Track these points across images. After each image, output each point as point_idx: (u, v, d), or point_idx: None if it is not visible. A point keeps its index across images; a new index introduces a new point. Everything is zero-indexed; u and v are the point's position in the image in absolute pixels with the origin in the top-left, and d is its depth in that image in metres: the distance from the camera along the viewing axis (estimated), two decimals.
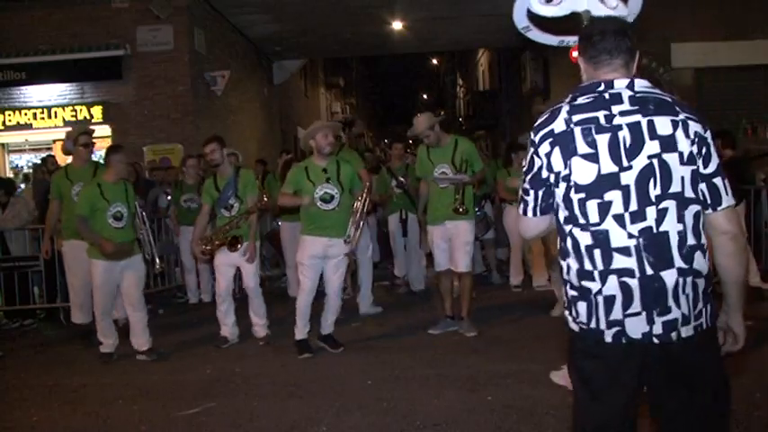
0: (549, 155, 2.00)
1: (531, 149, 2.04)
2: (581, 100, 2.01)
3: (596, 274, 1.96)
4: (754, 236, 7.08)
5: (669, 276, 1.91)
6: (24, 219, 7.31)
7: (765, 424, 3.61)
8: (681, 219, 1.93)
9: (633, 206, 1.92)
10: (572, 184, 1.97)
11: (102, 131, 11.17)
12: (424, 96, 47.89)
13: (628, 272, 1.93)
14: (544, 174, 2.02)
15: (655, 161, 1.92)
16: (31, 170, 10.51)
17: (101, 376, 5.12)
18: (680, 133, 1.93)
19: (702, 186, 1.95)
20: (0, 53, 11.07)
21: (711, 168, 1.96)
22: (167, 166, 9.59)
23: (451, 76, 36.65)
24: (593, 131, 1.95)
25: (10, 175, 11.52)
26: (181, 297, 7.99)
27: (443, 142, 5.61)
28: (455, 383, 4.41)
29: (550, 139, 2.00)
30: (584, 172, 1.95)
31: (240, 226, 5.51)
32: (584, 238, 1.97)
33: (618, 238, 1.93)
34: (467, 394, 4.20)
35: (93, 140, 6.25)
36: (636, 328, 1.94)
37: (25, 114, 11.40)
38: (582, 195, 1.96)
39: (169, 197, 8.00)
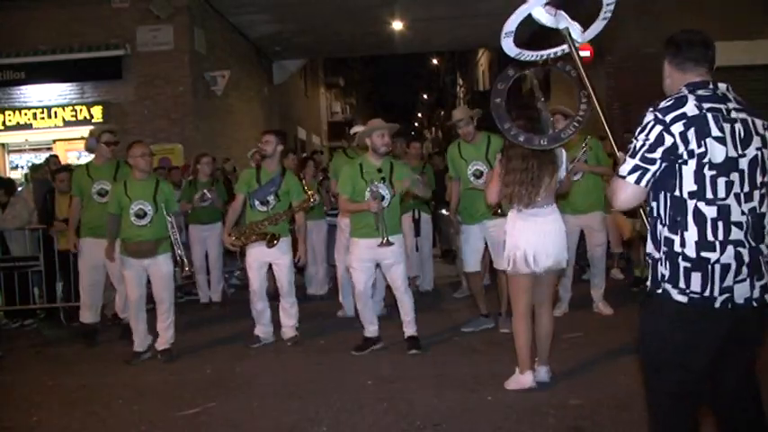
0: (683, 134, 2.27)
1: (660, 127, 2.30)
2: (701, 92, 2.35)
3: (717, 244, 2.27)
4: None
5: (764, 249, 2.33)
6: (24, 219, 7.31)
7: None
8: None
9: (746, 188, 2.30)
10: (706, 161, 2.26)
11: None
12: (425, 96, 47.89)
13: (741, 243, 2.28)
14: (679, 149, 2.27)
15: (759, 153, 2.32)
16: (28, 170, 10.49)
17: (101, 376, 5.12)
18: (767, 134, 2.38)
19: None
20: (0, 53, 11.08)
21: None
22: (167, 166, 9.57)
23: (451, 76, 36.65)
24: (721, 119, 2.29)
25: (11, 175, 11.52)
26: (180, 297, 7.98)
27: (476, 139, 5.56)
28: (455, 383, 4.41)
29: (684, 120, 2.28)
30: (717, 152, 2.26)
31: (279, 223, 5.49)
32: (710, 212, 2.27)
33: (736, 213, 2.27)
34: (467, 394, 4.20)
35: (117, 139, 6.22)
36: (741, 293, 2.28)
37: (25, 114, 11.42)
38: (714, 173, 2.26)
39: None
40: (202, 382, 4.80)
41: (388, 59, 36.04)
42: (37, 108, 11.41)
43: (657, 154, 2.29)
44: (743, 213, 2.28)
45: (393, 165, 5.24)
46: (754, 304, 2.29)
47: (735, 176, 2.27)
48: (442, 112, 38.60)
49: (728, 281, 2.27)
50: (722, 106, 2.32)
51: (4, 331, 7.01)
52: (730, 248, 2.26)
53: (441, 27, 15.25)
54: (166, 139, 11.23)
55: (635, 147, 2.35)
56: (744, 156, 2.29)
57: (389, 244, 5.03)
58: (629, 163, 2.34)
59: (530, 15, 2.87)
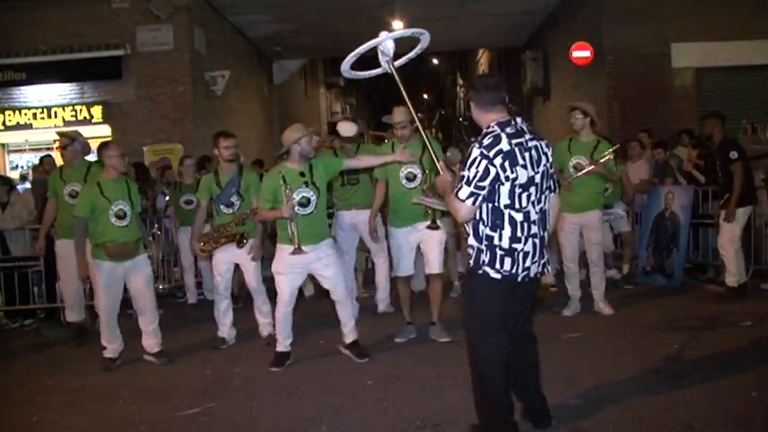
0: (502, 165, 3.16)
1: (486, 161, 3.16)
2: (509, 130, 3.24)
3: (523, 238, 3.26)
4: (754, 235, 7.08)
5: (546, 235, 3.39)
6: (24, 219, 7.31)
7: (765, 424, 3.61)
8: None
9: (539, 195, 3.29)
10: (516, 183, 3.20)
11: (103, 131, 11.18)
12: (425, 96, 47.85)
13: (536, 235, 3.30)
14: (500, 176, 3.17)
15: (546, 167, 3.33)
16: (27, 170, 10.51)
17: (101, 376, 5.12)
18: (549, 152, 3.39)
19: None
20: (0, 53, 11.07)
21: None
22: (166, 165, 9.57)
23: (451, 76, 36.62)
24: (523, 150, 3.22)
25: (11, 175, 11.52)
26: (181, 297, 7.99)
27: (411, 141, 5.37)
28: (455, 383, 4.40)
29: (501, 155, 3.16)
30: (522, 175, 3.21)
31: (246, 223, 5.48)
32: (519, 217, 3.25)
33: (533, 215, 3.28)
34: (467, 394, 4.18)
35: (70, 143, 6.13)
36: (534, 270, 3.35)
37: (25, 114, 11.41)
38: (520, 190, 3.22)
39: (167, 197, 8.00)
40: (202, 383, 4.80)
41: None
42: (37, 108, 11.40)
43: (486, 182, 3.16)
44: (536, 213, 3.28)
45: (311, 165, 4.98)
46: (538, 276, 3.39)
47: (532, 189, 3.24)
48: (443, 112, 38.58)
49: (528, 262, 3.28)
50: (522, 140, 3.22)
51: (4, 331, 7.02)
52: (530, 240, 3.27)
53: (441, 27, 15.23)
54: (166, 139, 11.22)
55: (468, 177, 3.17)
56: (537, 173, 3.25)
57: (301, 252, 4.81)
58: (466, 190, 3.18)
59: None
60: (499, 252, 3.24)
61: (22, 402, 4.64)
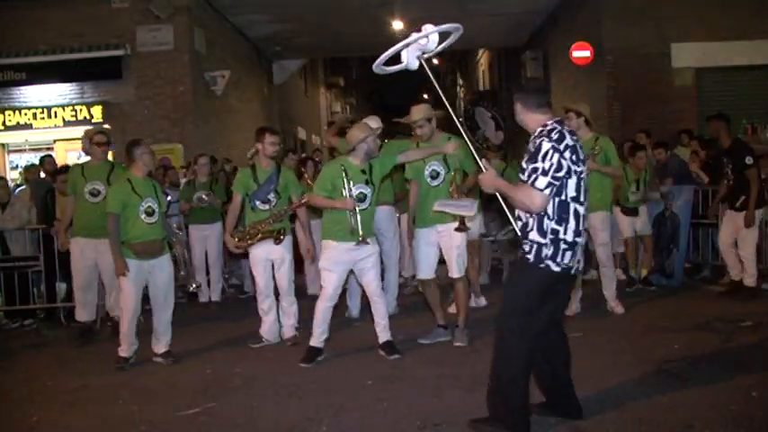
0: (570, 158, 3.31)
1: (558, 154, 3.28)
2: (565, 128, 3.40)
3: (581, 231, 3.44)
4: None
5: None
6: (24, 219, 7.31)
7: (765, 424, 3.61)
8: None
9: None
10: (582, 177, 3.41)
11: None
12: (425, 96, 47.82)
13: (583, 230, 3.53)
14: (570, 169, 3.31)
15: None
16: (22, 171, 10.49)
17: (101, 376, 5.11)
18: None
19: None
20: (0, 53, 11.07)
21: None
22: (167, 165, 9.57)
23: (451, 76, 36.62)
24: (578, 146, 3.41)
25: (11, 175, 11.53)
26: (181, 297, 7.98)
27: (435, 139, 5.41)
28: (455, 383, 4.41)
29: (569, 149, 3.31)
30: (582, 170, 3.41)
31: (283, 219, 5.48)
32: (581, 210, 3.44)
33: (583, 210, 3.51)
34: (467, 394, 4.20)
35: (109, 139, 6.24)
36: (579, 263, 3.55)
37: (25, 114, 11.42)
38: (582, 184, 3.42)
39: (169, 197, 7.97)
40: (202, 383, 4.80)
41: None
42: (37, 108, 11.41)
43: (561, 174, 3.27)
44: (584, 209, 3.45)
45: (371, 164, 5.10)
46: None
47: (583, 184, 3.39)
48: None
49: (579, 255, 3.45)
50: (575, 137, 3.41)
51: (4, 331, 7.02)
52: (583, 234, 3.43)
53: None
54: (166, 139, 11.23)
55: (543, 168, 3.25)
56: (583, 170, 3.43)
57: (366, 243, 4.97)
58: (544, 180, 3.26)
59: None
60: (563, 246, 3.34)
61: (22, 402, 4.64)
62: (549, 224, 3.33)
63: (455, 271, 5.35)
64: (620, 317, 5.97)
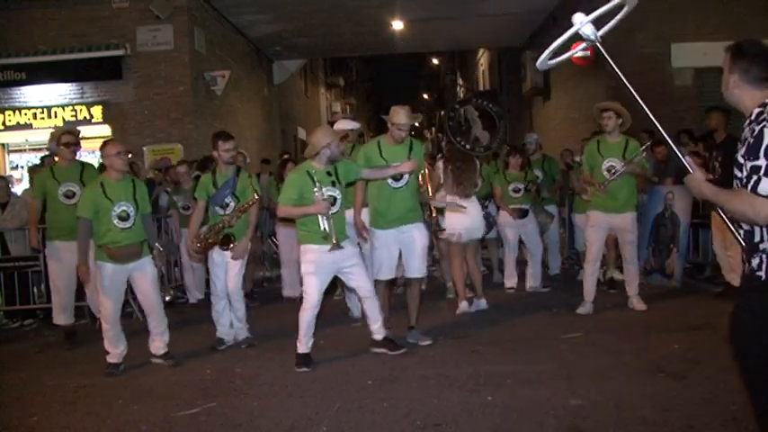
0: None
1: None
2: None
3: None
4: None
5: None
6: (24, 219, 7.30)
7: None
8: None
9: None
10: None
11: (103, 131, 11.19)
12: (425, 96, 47.86)
13: None
14: None
15: None
16: (24, 171, 10.51)
17: (101, 376, 5.11)
18: None
19: None
20: (0, 53, 11.08)
21: None
22: (167, 165, 9.57)
23: (451, 76, 36.64)
24: None
25: (11, 174, 11.52)
26: (181, 297, 7.98)
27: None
28: (455, 383, 4.41)
29: None
30: None
31: (233, 225, 5.45)
32: None
33: None
34: (467, 394, 4.20)
35: (77, 140, 6.15)
36: None
37: (25, 114, 11.43)
38: None
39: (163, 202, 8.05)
40: (202, 383, 4.80)
41: (388, 59, 36.03)
42: (37, 108, 11.42)
43: None
44: None
45: (335, 166, 5.03)
46: None
47: None
48: (443, 112, 38.61)
49: None
50: None
51: (4, 331, 7.02)
52: None
53: (441, 27, 15.24)
54: (166, 140, 11.24)
55: (766, 167, 2.28)
56: None
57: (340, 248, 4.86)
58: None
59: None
60: None
61: (22, 402, 4.64)
62: None
63: (416, 271, 5.39)
64: (621, 317, 5.98)
